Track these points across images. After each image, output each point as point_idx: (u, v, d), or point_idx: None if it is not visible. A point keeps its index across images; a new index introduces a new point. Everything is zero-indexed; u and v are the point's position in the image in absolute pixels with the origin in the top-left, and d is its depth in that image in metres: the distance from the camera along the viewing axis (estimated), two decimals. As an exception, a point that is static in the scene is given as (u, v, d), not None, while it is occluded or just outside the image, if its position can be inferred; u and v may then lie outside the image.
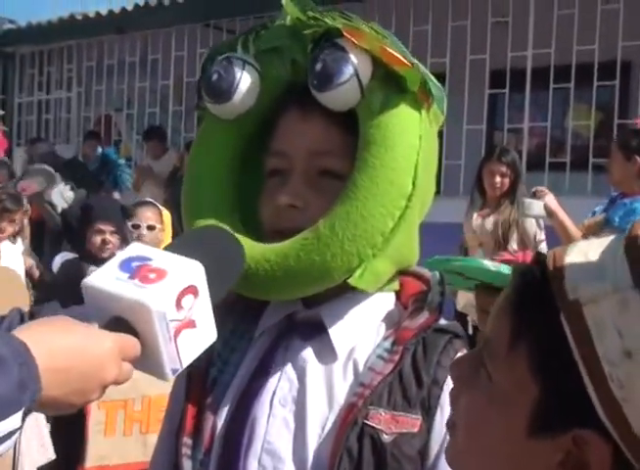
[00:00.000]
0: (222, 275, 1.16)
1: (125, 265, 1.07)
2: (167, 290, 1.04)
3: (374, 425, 1.24)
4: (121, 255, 1.10)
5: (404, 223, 1.27)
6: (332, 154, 1.30)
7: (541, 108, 8.62)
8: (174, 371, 1.08)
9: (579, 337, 0.80)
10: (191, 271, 1.07)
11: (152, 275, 1.05)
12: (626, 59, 8.06)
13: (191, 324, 1.07)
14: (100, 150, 9.67)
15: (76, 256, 4.96)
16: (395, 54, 1.26)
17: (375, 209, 1.24)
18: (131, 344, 1.04)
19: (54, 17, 11.84)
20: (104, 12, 11.13)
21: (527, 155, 8.22)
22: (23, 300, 4.43)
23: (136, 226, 5.36)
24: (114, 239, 4.90)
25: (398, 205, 1.25)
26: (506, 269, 2.87)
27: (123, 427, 3.72)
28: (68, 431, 3.70)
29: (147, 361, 1.06)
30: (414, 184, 1.26)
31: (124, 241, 5.24)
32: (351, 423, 1.24)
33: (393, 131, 1.25)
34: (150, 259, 1.08)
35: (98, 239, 4.87)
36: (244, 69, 1.32)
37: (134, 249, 1.11)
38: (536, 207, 5.16)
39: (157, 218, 5.48)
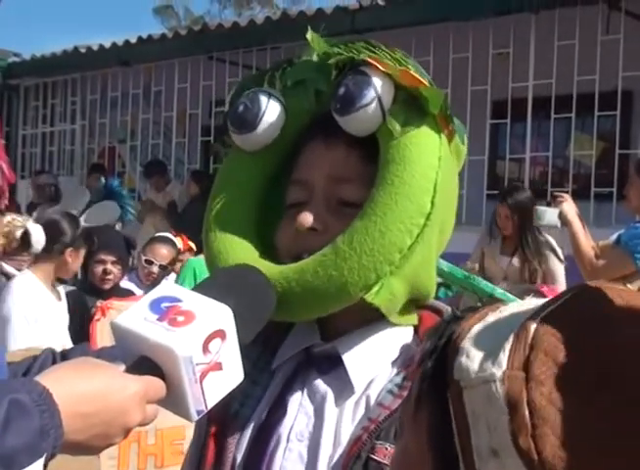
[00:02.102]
0: (252, 316, 1.16)
1: (155, 306, 1.08)
2: (195, 334, 1.05)
3: (379, 459, 1.23)
4: (152, 294, 1.11)
5: (422, 243, 1.26)
6: (351, 182, 1.30)
7: (543, 137, 8.66)
8: (199, 412, 1.09)
9: (459, 422, 0.74)
10: (219, 315, 1.08)
11: (180, 318, 1.06)
12: (627, 88, 8.10)
13: (217, 367, 1.08)
14: (103, 181, 9.70)
15: (72, 288, 4.94)
16: (416, 75, 1.27)
17: (393, 224, 1.23)
18: (156, 387, 1.05)
19: (58, 49, 11.93)
20: (107, 44, 11.19)
21: (530, 184, 8.24)
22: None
23: (149, 262, 5.37)
24: (115, 269, 4.89)
25: (417, 222, 1.25)
26: (500, 294, 2.79)
27: (137, 461, 3.66)
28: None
29: (172, 402, 1.07)
30: (432, 203, 1.26)
31: (127, 271, 5.23)
32: (355, 456, 1.23)
33: (412, 150, 1.26)
34: (180, 301, 1.09)
35: (99, 269, 4.87)
36: (269, 100, 1.34)
37: (165, 288, 1.12)
38: (548, 215, 5.03)
39: (170, 256, 5.48)
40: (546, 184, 8.30)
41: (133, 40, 10.93)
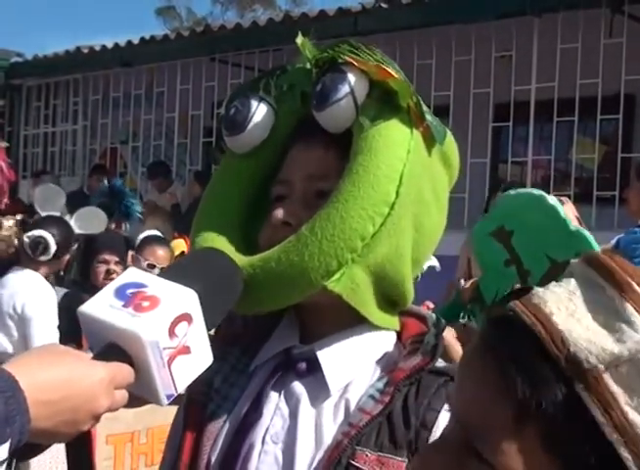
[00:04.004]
0: (219, 299, 1.18)
1: (120, 292, 1.09)
2: (160, 319, 1.06)
3: (359, 465, 1.23)
4: (118, 281, 1.11)
5: (387, 234, 1.26)
6: (328, 177, 1.31)
7: (545, 141, 8.66)
8: (169, 396, 1.09)
9: (607, 407, 0.75)
10: (184, 299, 1.09)
11: (145, 303, 1.06)
12: (630, 92, 8.10)
13: (185, 350, 1.08)
14: (106, 182, 9.67)
15: (66, 290, 4.94)
16: (388, 70, 1.29)
17: (354, 210, 1.24)
18: (124, 372, 1.05)
19: (60, 50, 11.94)
20: (110, 45, 11.20)
21: (532, 187, 8.22)
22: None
23: (151, 266, 5.38)
24: (118, 269, 4.89)
25: (380, 211, 1.25)
26: (585, 234, 2.72)
27: (130, 460, 3.70)
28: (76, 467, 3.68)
29: (142, 387, 1.08)
30: (398, 193, 1.26)
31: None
32: (335, 461, 1.23)
33: (380, 141, 1.27)
34: (145, 286, 1.09)
35: (103, 269, 4.86)
36: (259, 103, 1.37)
37: (130, 274, 1.13)
38: None
39: (168, 257, 5.49)
40: (548, 187, 8.28)
41: (135, 41, 10.94)
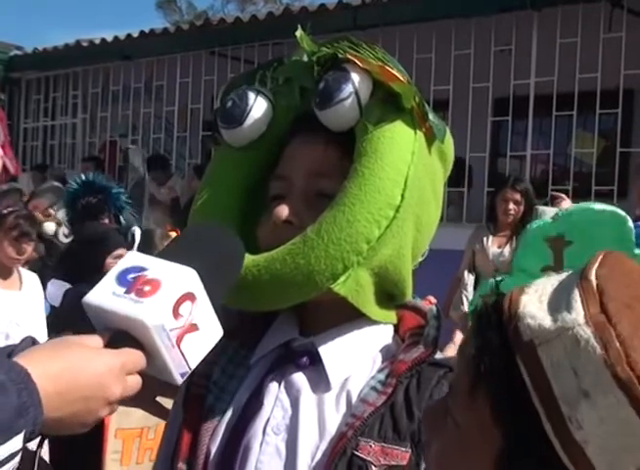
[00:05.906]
0: (221, 273, 1.18)
1: (122, 278, 1.09)
2: (163, 302, 1.06)
3: (363, 456, 1.24)
4: (119, 266, 1.12)
5: (392, 236, 1.27)
6: (329, 176, 1.32)
7: (544, 135, 8.67)
8: (183, 374, 1.11)
9: (536, 379, 0.79)
10: (185, 279, 1.09)
11: (147, 288, 1.07)
12: (629, 87, 8.11)
13: (193, 328, 1.09)
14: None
15: (66, 284, 4.94)
16: (392, 71, 1.29)
17: (360, 214, 1.24)
18: (134, 358, 1.06)
19: (60, 43, 11.94)
20: (109, 38, 11.20)
21: (531, 182, 8.24)
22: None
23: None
24: None
25: (385, 214, 1.26)
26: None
27: (137, 455, 3.73)
28: (84, 460, 3.70)
29: (155, 369, 1.09)
30: (403, 196, 1.27)
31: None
32: (340, 452, 1.24)
33: (385, 143, 1.27)
34: (145, 269, 1.10)
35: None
36: (257, 97, 1.37)
37: (131, 259, 1.13)
38: (548, 214, 5.13)
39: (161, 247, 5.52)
40: (547, 182, 8.30)
41: (135, 34, 10.94)
